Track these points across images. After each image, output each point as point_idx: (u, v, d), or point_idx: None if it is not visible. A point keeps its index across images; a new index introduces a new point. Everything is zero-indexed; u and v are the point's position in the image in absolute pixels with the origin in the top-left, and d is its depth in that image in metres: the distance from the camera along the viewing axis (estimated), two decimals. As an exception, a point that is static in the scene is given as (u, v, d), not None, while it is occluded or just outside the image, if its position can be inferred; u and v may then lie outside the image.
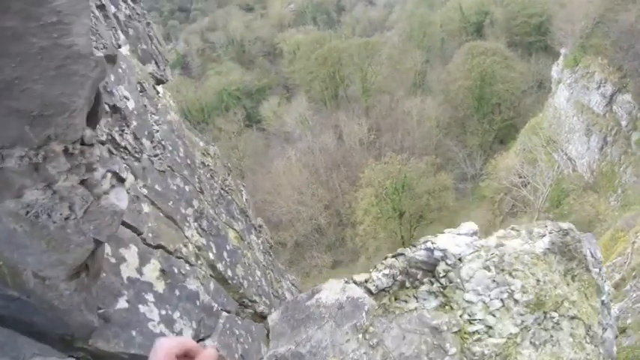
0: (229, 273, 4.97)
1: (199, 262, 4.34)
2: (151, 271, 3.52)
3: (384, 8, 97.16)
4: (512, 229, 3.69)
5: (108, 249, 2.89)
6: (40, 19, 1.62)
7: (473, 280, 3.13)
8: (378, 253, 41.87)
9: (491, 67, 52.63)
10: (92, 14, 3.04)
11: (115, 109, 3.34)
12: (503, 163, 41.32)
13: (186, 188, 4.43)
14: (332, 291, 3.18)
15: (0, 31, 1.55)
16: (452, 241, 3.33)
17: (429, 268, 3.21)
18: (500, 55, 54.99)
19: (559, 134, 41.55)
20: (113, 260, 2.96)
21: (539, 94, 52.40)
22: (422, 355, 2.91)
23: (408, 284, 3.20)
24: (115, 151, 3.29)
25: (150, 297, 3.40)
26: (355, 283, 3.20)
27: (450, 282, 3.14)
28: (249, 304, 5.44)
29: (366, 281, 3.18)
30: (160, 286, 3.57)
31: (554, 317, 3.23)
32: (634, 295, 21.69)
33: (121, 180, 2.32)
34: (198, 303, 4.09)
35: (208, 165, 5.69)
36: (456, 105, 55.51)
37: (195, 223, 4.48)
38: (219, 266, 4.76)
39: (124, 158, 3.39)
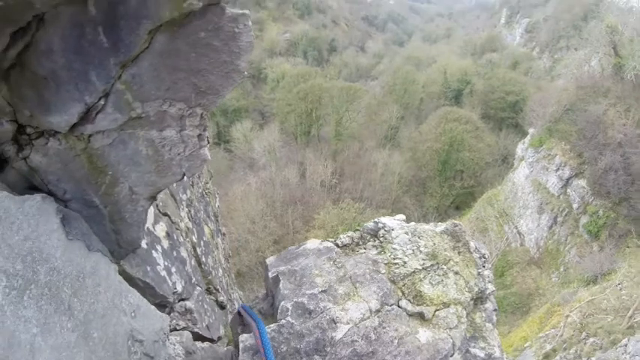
0: (203, 259, 6.22)
1: (187, 239, 5.57)
2: (161, 230, 4.71)
3: (372, 57, 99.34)
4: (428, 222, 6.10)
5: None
6: (231, 47, 2.65)
7: (397, 239, 5.22)
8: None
9: (462, 134, 53.78)
10: None
11: None
12: (454, 230, 41.79)
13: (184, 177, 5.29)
14: (313, 243, 5.15)
15: (211, 45, 2.60)
16: (389, 220, 5.53)
17: (374, 233, 5.31)
18: (472, 124, 56.32)
19: (513, 208, 42.66)
20: (141, 210, 3.79)
21: (501, 168, 53.60)
22: (366, 274, 4.68)
23: (360, 243, 5.20)
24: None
25: (159, 248, 4.53)
26: (328, 240, 5.19)
27: (385, 239, 5.22)
28: (214, 291, 6.59)
29: (335, 240, 5.19)
30: (165, 243, 4.73)
31: (443, 268, 5.00)
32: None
33: (209, 142, 3.13)
34: (186, 268, 5.21)
35: None
36: (421, 165, 56.25)
37: (187, 209, 5.74)
38: (198, 250, 6.02)
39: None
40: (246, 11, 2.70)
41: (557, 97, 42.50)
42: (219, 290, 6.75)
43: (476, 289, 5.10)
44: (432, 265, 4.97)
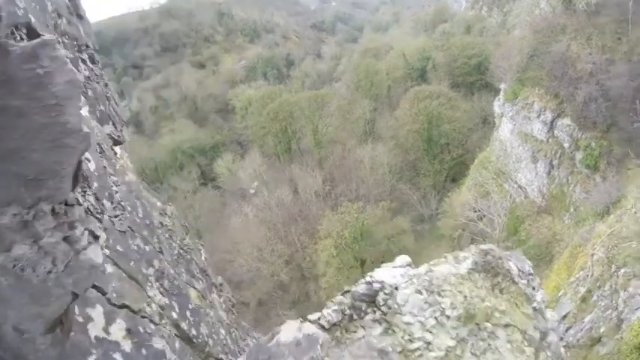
0: (193, 332, 5.16)
1: (163, 321, 4.47)
2: (118, 330, 3.66)
3: (330, 60, 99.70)
4: (442, 256, 4.17)
5: (75, 308, 2.86)
6: (42, 100, 1.95)
7: (408, 304, 3.62)
8: (343, 304, 40.93)
9: (437, 109, 53.92)
10: None
11: None
12: (457, 200, 41.68)
13: (147, 248, 4.53)
14: (290, 331, 3.61)
15: (9, 109, 1.88)
16: (388, 273, 3.86)
17: (371, 299, 3.69)
18: (444, 96, 56.50)
19: (507, 165, 42.56)
20: (81, 319, 3.05)
21: (484, 130, 53.67)
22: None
23: (355, 316, 3.65)
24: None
25: (118, 356, 3.52)
26: (309, 321, 3.67)
27: (389, 308, 3.62)
28: None
29: (319, 319, 3.65)
30: (127, 345, 3.70)
31: (487, 327, 3.63)
32: (602, 304, 21.58)
33: (96, 237, 2.52)
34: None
35: (166, 225, 5.80)
36: (407, 149, 56.29)
37: (157, 283, 4.63)
38: (183, 325, 4.92)
39: None
40: (48, 36, 2.06)
41: (518, 46, 42.65)
42: (223, 358, 5.91)
43: (537, 336, 3.88)
44: (470, 332, 3.56)
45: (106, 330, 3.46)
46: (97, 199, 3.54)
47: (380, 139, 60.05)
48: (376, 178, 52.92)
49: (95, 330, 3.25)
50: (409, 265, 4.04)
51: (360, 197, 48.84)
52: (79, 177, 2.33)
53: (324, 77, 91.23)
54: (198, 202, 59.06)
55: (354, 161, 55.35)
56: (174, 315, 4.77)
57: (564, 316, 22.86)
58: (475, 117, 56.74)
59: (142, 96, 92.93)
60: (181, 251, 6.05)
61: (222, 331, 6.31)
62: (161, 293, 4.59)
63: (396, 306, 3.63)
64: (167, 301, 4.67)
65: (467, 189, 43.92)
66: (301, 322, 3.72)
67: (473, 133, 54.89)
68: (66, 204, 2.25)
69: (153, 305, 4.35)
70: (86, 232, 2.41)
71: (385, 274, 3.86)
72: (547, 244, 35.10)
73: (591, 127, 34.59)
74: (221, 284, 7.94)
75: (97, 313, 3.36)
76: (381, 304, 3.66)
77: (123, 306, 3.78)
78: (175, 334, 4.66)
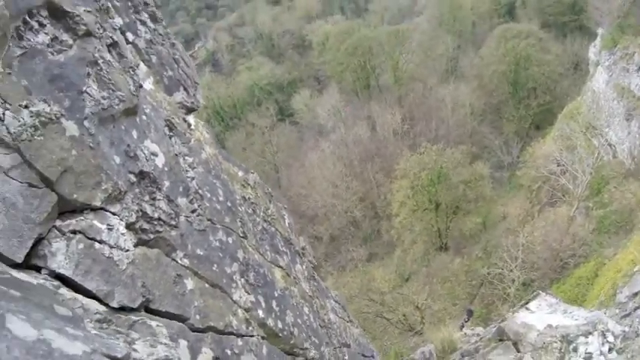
0: (279, 325, 4.93)
1: (250, 328, 4.25)
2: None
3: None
4: None
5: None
6: None
7: None
8: (414, 245, 41.90)
9: (526, 50, 51.51)
10: (102, 60, 2.73)
11: (142, 175, 2.98)
12: (540, 151, 40.46)
13: (229, 240, 4.21)
14: None
15: None
16: None
17: None
18: (534, 37, 53.76)
19: (598, 119, 40.00)
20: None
21: (575, 77, 51.11)
22: None
23: None
24: (147, 226, 2.98)
25: None
26: None
27: None
28: (301, 352, 5.48)
29: None
30: None
31: None
32: None
33: None
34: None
35: (249, 198, 5.39)
36: (490, 91, 54.66)
37: (242, 280, 4.31)
38: (270, 322, 4.70)
39: (158, 232, 3.07)
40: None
41: (621, -13, 39.60)
42: (307, 347, 5.69)
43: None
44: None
45: (194, 362, 3.08)
46: (169, 200, 3.25)
47: (462, 78, 58.58)
48: (457, 119, 52.21)
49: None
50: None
51: (440, 138, 48.36)
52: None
53: (404, 11, 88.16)
54: (276, 138, 60.42)
55: (434, 100, 54.54)
56: (261, 313, 4.51)
57: (635, 294, 22.19)
58: (566, 62, 53.80)
59: (218, 35, 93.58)
60: (265, 225, 5.63)
61: (306, 310, 6.08)
62: (247, 292, 4.31)
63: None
64: (253, 299, 4.41)
65: (552, 139, 42.08)
66: None
67: (563, 80, 52.38)
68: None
69: (239, 312, 4.09)
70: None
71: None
72: (630, 212, 33.00)
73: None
74: (304, 248, 7.70)
75: (182, 350, 3.00)
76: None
77: (208, 329, 3.45)
78: (262, 337, 4.48)
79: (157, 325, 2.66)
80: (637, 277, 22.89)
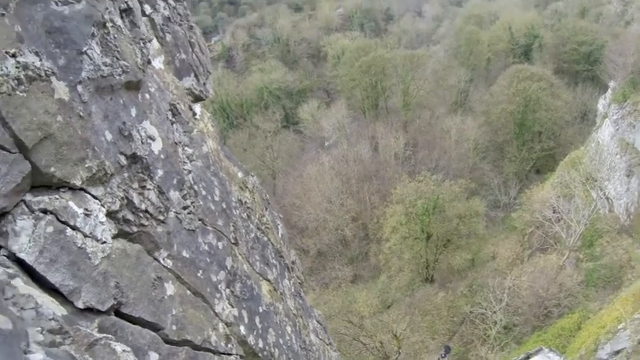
0: (260, 344, 4.63)
1: (230, 345, 3.95)
2: None
3: (432, 21, 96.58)
4: None
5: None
6: None
7: None
8: (400, 273, 41.51)
9: (536, 93, 51.54)
10: (112, 24, 2.52)
11: (134, 158, 2.72)
12: (538, 195, 40.27)
13: (219, 245, 3.93)
14: None
15: None
16: None
17: None
18: (546, 81, 53.83)
19: (599, 171, 40.03)
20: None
21: (581, 126, 51.24)
22: None
23: None
24: (132, 218, 2.68)
25: None
26: None
27: None
28: None
29: None
30: None
31: None
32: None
33: None
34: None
35: (246, 202, 5.11)
36: (496, 129, 54.66)
37: (228, 290, 4.03)
38: (251, 340, 4.39)
39: (143, 226, 2.78)
40: None
41: (637, 44, 39.71)
42: None
43: None
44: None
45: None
46: (160, 192, 2.99)
47: (470, 112, 58.61)
48: (459, 152, 52.13)
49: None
50: None
51: (440, 168, 48.39)
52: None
53: (422, 37, 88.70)
54: (277, 144, 60.14)
55: (439, 130, 54.61)
56: (242, 330, 4.22)
57: (617, 352, 21.86)
58: (575, 110, 54.05)
59: (236, 32, 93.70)
60: (258, 233, 5.36)
61: (289, 329, 5.81)
62: (231, 304, 4.03)
63: None
64: (236, 313, 4.12)
65: (550, 185, 42.05)
66: None
67: (569, 127, 52.52)
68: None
69: (220, 326, 3.78)
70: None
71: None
72: (620, 268, 33.04)
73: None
74: (293, 262, 7.48)
75: (150, 364, 2.70)
76: None
77: (184, 342, 3.14)
78: (240, 357, 4.16)
79: (123, 351, 2.25)
80: (621, 335, 22.56)
